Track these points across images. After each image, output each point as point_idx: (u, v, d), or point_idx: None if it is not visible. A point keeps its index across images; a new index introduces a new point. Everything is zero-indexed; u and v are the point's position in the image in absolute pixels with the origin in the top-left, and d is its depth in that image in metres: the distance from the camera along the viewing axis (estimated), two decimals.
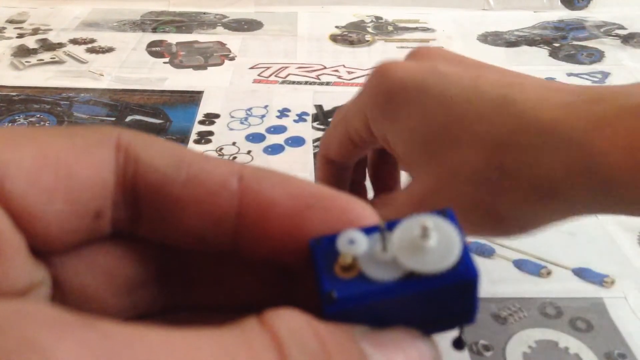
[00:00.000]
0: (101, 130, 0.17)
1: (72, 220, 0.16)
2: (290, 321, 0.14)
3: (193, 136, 0.56)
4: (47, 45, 0.73)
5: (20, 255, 0.16)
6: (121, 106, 0.61)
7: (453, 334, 0.17)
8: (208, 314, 0.19)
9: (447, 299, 0.15)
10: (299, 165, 0.51)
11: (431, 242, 0.15)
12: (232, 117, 0.59)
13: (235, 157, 0.53)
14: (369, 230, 0.15)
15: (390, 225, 0.15)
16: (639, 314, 0.38)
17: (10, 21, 0.80)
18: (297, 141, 0.55)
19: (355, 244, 0.15)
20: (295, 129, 0.57)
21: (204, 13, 0.84)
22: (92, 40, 0.75)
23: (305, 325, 0.14)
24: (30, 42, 0.74)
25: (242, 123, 0.58)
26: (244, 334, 0.13)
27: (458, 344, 0.17)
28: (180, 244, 0.18)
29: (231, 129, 0.57)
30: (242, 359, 0.12)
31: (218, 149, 0.54)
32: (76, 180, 0.16)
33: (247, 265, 0.19)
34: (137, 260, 0.18)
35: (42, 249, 0.16)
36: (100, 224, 0.17)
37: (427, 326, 0.16)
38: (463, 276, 0.14)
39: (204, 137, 0.56)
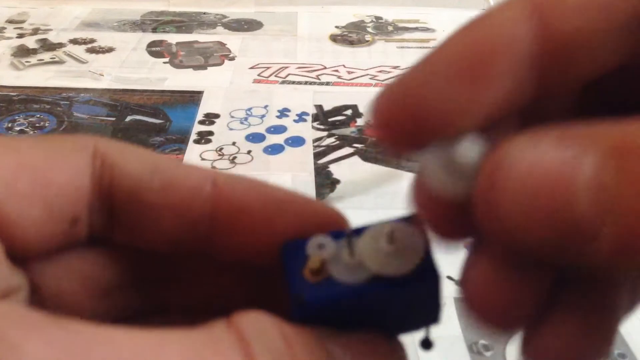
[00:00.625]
0: (78, 139, 0.18)
1: (49, 225, 0.16)
2: (257, 322, 0.14)
3: (193, 136, 0.56)
4: (47, 45, 0.73)
5: None
6: (121, 106, 0.61)
7: (420, 334, 0.17)
8: (184, 317, 0.19)
9: (411, 300, 0.16)
10: (299, 165, 0.51)
11: (395, 246, 0.15)
12: (232, 117, 0.59)
13: (235, 157, 0.53)
14: (337, 235, 0.16)
15: (358, 230, 0.16)
16: (639, 313, 0.38)
17: (10, 21, 0.80)
18: (297, 141, 0.55)
19: (323, 249, 0.16)
20: (295, 129, 0.57)
21: (204, 13, 0.84)
22: (92, 40, 0.75)
23: (271, 326, 0.14)
24: (30, 42, 0.74)
25: (242, 123, 0.58)
26: (211, 335, 0.13)
27: (425, 344, 0.17)
28: (156, 248, 0.18)
29: (231, 129, 0.57)
30: (208, 359, 0.13)
31: (218, 149, 0.54)
32: (53, 187, 0.16)
33: (221, 269, 0.19)
34: (113, 264, 0.18)
35: (19, 255, 0.16)
36: (77, 229, 0.17)
37: (394, 328, 0.16)
38: (425, 278, 0.15)
39: (204, 137, 0.56)
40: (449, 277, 0.43)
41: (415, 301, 0.16)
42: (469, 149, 0.14)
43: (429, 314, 0.16)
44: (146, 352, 0.12)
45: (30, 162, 0.16)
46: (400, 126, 0.15)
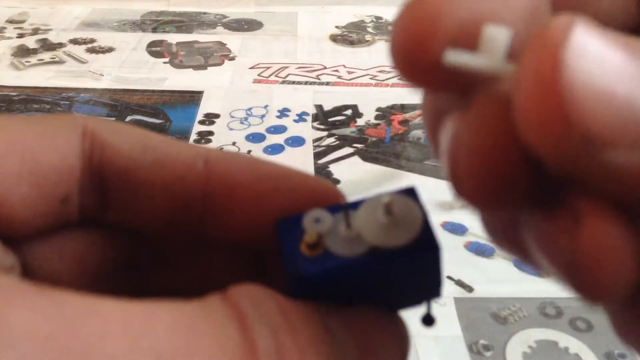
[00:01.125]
0: (66, 118, 0.17)
1: (39, 204, 0.16)
2: (253, 294, 0.13)
3: (193, 136, 0.56)
4: (47, 45, 0.73)
5: None
6: (121, 106, 0.61)
7: (422, 310, 0.17)
8: (176, 297, 0.19)
9: (411, 272, 0.15)
10: (299, 165, 0.51)
11: (393, 218, 0.15)
12: (232, 117, 0.59)
13: None
14: (334, 209, 0.16)
15: (355, 204, 0.16)
16: None
17: (10, 21, 0.80)
18: (297, 141, 0.55)
19: (320, 222, 0.15)
20: (295, 129, 0.57)
21: (204, 13, 0.84)
22: (92, 40, 0.75)
23: (268, 298, 0.14)
24: (30, 42, 0.74)
25: (242, 123, 0.58)
26: (205, 306, 0.13)
27: (427, 320, 0.17)
28: (149, 229, 0.18)
29: (231, 129, 0.57)
30: (201, 330, 0.12)
31: (218, 149, 0.54)
32: (42, 165, 0.16)
33: (216, 250, 0.19)
34: (106, 246, 0.18)
35: (9, 235, 0.16)
36: (67, 209, 0.17)
37: (394, 303, 0.16)
38: (425, 249, 0.15)
39: (204, 137, 0.56)
40: (449, 277, 0.43)
41: (415, 274, 0.15)
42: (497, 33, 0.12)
43: (430, 287, 0.16)
44: (134, 322, 0.12)
45: (19, 141, 0.16)
46: (423, 39, 0.12)
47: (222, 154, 0.18)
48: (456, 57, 0.12)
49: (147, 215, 0.18)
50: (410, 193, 0.16)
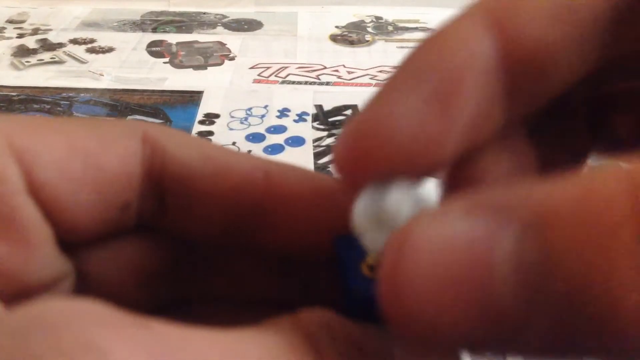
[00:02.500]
0: (127, 123, 0.17)
1: (99, 211, 0.16)
2: (328, 324, 0.13)
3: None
4: (47, 45, 0.73)
5: (47, 246, 0.15)
6: (121, 106, 0.61)
7: None
8: (220, 304, 0.19)
9: None
10: (299, 165, 0.51)
11: None
12: (232, 117, 0.59)
13: None
14: None
15: None
16: None
17: (10, 21, 0.80)
18: (297, 141, 0.55)
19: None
20: (295, 129, 0.57)
21: (204, 13, 0.84)
22: (92, 40, 0.75)
23: (343, 328, 0.13)
24: (30, 42, 0.74)
25: (242, 123, 0.58)
26: (284, 336, 0.13)
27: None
28: (203, 238, 0.18)
29: (231, 129, 0.57)
30: None
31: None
32: (104, 172, 0.16)
33: (265, 259, 0.19)
34: (158, 251, 0.18)
35: (68, 240, 0.16)
36: (126, 216, 0.17)
37: None
38: None
39: (204, 137, 0.56)
40: None
41: None
42: (401, 199, 0.13)
43: None
44: (228, 355, 0.12)
45: (82, 146, 0.16)
46: (362, 165, 0.13)
47: (281, 167, 0.17)
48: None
49: (203, 224, 0.17)
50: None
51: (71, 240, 0.16)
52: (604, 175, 0.10)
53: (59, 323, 0.10)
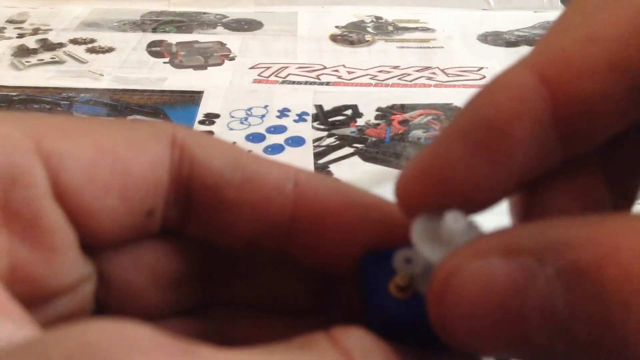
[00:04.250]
0: (156, 126, 0.17)
1: (124, 217, 0.16)
2: (362, 343, 0.13)
3: None
4: (47, 45, 0.73)
5: (71, 250, 0.15)
6: (121, 106, 0.61)
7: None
8: (240, 309, 0.19)
9: None
10: (299, 165, 0.51)
11: None
12: (232, 117, 0.59)
13: None
14: None
15: None
16: None
17: (10, 21, 0.80)
18: (297, 141, 0.55)
19: (411, 263, 0.15)
20: (295, 129, 0.57)
21: (204, 13, 0.84)
22: (92, 40, 0.75)
23: (377, 347, 0.13)
24: (30, 42, 0.74)
25: (242, 123, 0.58)
26: (322, 357, 0.13)
27: None
28: (230, 246, 0.18)
29: (231, 129, 0.57)
30: None
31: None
32: (132, 177, 0.16)
33: (290, 269, 0.18)
34: (181, 257, 0.18)
35: (91, 244, 0.16)
36: (151, 222, 0.17)
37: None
38: None
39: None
40: None
41: None
42: (455, 223, 0.14)
43: None
44: None
45: (110, 149, 0.15)
46: (421, 202, 0.14)
47: (311, 177, 0.17)
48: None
49: (230, 233, 0.17)
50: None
51: (94, 244, 0.16)
52: (623, 236, 0.11)
53: (106, 352, 0.10)
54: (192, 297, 0.18)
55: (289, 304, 0.19)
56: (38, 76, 0.66)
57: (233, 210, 0.17)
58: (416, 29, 0.81)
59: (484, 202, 0.15)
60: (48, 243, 0.15)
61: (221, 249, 0.18)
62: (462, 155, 0.14)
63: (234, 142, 0.55)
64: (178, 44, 0.75)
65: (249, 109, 0.60)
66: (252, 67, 0.69)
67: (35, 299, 0.14)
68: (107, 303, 0.17)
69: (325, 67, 0.69)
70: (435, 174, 0.14)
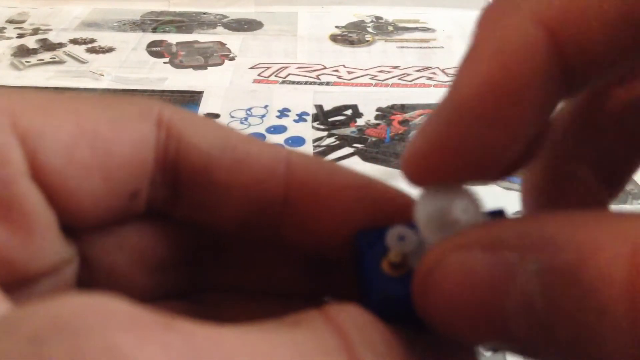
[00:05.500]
0: (141, 103, 0.16)
1: (106, 198, 0.15)
2: (357, 319, 0.13)
3: None
4: (47, 45, 0.73)
5: (50, 232, 0.15)
6: None
7: None
8: (233, 293, 0.18)
9: None
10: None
11: None
12: (232, 117, 0.59)
13: None
14: (415, 225, 0.15)
15: None
16: None
17: (10, 21, 0.80)
18: (297, 141, 0.55)
19: (404, 241, 0.15)
20: (295, 129, 0.57)
21: (204, 13, 0.84)
22: (92, 40, 0.75)
23: (371, 324, 0.13)
24: (30, 42, 0.74)
25: (242, 123, 0.58)
26: (315, 333, 0.12)
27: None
28: (220, 228, 0.17)
29: None
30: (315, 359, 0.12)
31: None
32: (114, 158, 0.15)
33: (282, 252, 0.18)
34: (169, 240, 0.17)
35: (72, 226, 0.15)
36: (135, 203, 0.16)
37: None
38: None
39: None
40: None
41: None
42: (464, 214, 0.14)
43: None
44: (260, 355, 0.11)
45: (92, 128, 0.15)
46: (431, 176, 0.14)
47: (303, 158, 0.17)
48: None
49: (220, 215, 0.17)
50: (499, 215, 0.15)
51: (76, 226, 0.16)
52: (604, 238, 0.11)
53: (78, 326, 0.10)
54: (182, 281, 0.18)
55: (283, 288, 0.19)
56: (38, 76, 0.66)
57: (223, 192, 0.16)
58: (416, 29, 0.81)
59: (499, 172, 0.14)
60: (25, 224, 0.14)
61: (211, 232, 0.17)
62: (473, 125, 0.13)
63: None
64: (178, 44, 0.75)
65: (249, 109, 0.60)
66: (252, 67, 0.69)
67: (13, 282, 0.14)
68: (91, 286, 0.16)
69: (325, 67, 0.69)
70: (446, 147, 0.14)
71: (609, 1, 0.12)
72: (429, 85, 0.66)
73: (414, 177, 0.14)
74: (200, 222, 0.17)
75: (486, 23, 0.14)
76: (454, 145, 0.13)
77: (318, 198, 0.16)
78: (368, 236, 0.16)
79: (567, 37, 0.13)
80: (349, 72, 0.68)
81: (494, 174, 0.14)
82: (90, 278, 0.16)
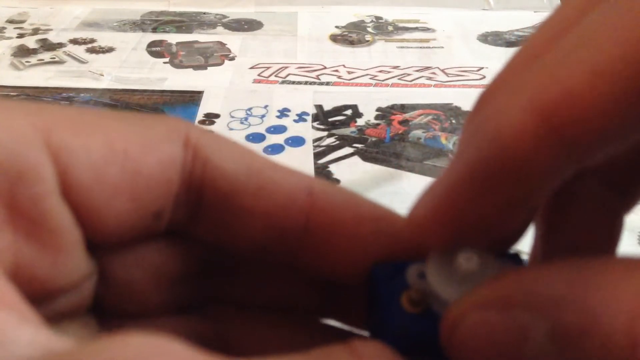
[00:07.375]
0: (169, 123, 0.16)
1: (131, 218, 0.16)
2: (381, 356, 0.13)
3: None
4: (47, 45, 0.73)
5: (77, 250, 0.15)
6: (121, 106, 0.61)
7: None
8: (239, 309, 0.19)
9: None
10: (299, 165, 0.51)
11: None
12: (232, 117, 0.59)
13: None
14: None
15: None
16: None
17: (10, 21, 0.80)
18: (297, 141, 0.55)
19: (425, 278, 0.15)
20: (295, 129, 0.57)
21: (204, 13, 0.84)
22: (92, 40, 0.75)
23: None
24: (30, 42, 0.74)
25: (242, 123, 0.58)
26: None
27: None
28: (239, 251, 0.17)
29: (231, 129, 0.57)
30: None
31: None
32: (142, 178, 0.15)
33: (294, 273, 0.18)
34: (184, 257, 0.18)
35: (95, 243, 0.16)
36: (158, 223, 0.16)
37: None
38: None
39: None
40: None
41: None
42: (470, 260, 0.14)
43: None
44: None
45: (122, 148, 0.15)
46: (434, 243, 0.15)
47: (326, 187, 0.17)
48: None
49: (240, 238, 0.17)
50: (514, 259, 0.15)
51: (98, 243, 0.16)
52: (609, 299, 0.12)
53: None
54: (192, 296, 0.18)
55: (289, 303, 0.19)
56: (38, 76, 0.66)
57: (245, 216, 0.16)
58: (416, 29, 0.81)
59: (504, 239, 0.15)
60: (53, 242, 0.14)
61: (227, 252, 0.18)
62: (474, 198, 0.13)
63: None
64: (178, 44, 0.75)
65: (249, 109, 0.60)
66: (252, 67, 0.69)
67: (37, 298, 0.14)
68: (105, 299, 0.17)
69: (325, 67, 0.69)
70: (448, 218, 0.14)
71: (604, 86, 0.12)
72: (429, 85, 0.66)
73: (419, 243, 0.15)
74: (218, 242, 0.17)
75: (482, 105, 0.14)
76: (455, 216, 0.14)
77: (338, 228, 0.17)
78: (385, 270, 0.16)
79: (566, 125, 0.13)
80: (349, 72, 0.68)
81: (500, 240, 0.15)
82: (105, 293, 0.17)
